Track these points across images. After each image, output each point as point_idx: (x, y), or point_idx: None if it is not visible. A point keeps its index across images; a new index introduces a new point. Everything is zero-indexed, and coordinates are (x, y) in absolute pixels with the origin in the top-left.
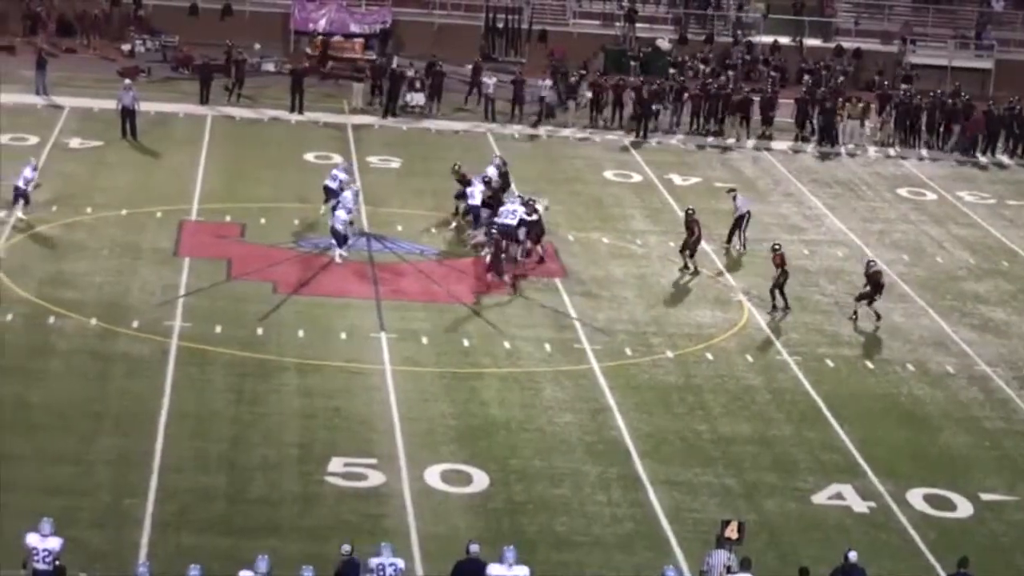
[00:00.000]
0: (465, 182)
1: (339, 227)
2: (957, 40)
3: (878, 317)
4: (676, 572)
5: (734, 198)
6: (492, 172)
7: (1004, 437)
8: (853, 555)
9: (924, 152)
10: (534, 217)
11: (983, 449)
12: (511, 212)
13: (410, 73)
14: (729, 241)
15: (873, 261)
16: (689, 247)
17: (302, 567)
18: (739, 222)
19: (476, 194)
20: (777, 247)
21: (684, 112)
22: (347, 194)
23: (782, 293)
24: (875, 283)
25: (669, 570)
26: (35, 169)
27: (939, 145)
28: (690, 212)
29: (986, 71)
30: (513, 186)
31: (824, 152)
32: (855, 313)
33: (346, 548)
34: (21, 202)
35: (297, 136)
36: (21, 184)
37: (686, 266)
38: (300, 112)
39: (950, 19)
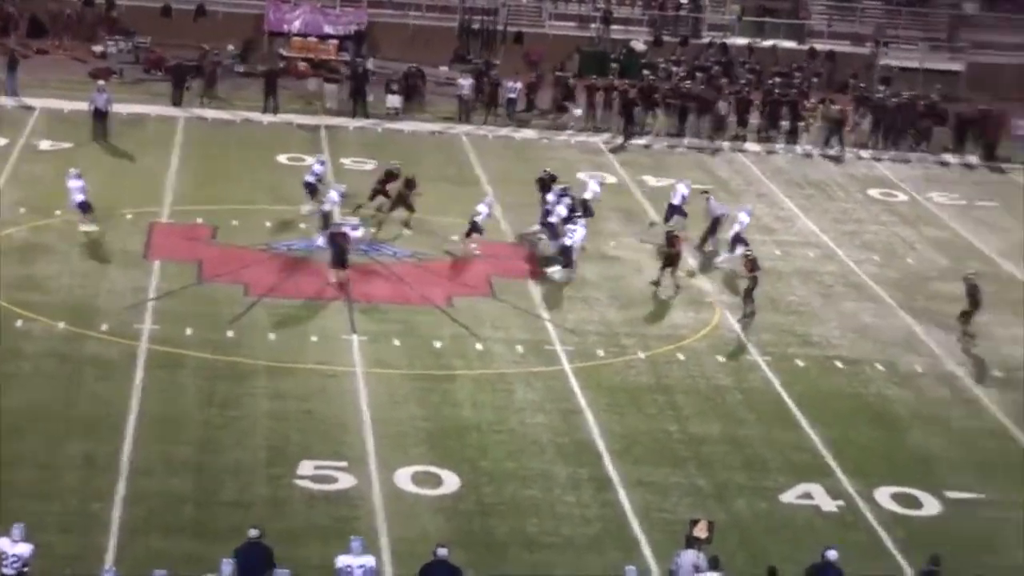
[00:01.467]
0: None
1: (328, 207)
2: (929, 42)
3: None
4: (636, 572)
5: (708, 199)
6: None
7: (972, 436)
8: (832, 554)
9: (896, 154)
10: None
11: (951, 448)
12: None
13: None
14: (702, 244)
15: (972, 274)
16: (671, 263)
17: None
18: (714, 225)
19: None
20: (748, 253)
21: (662, 114)
22: (332, 193)
23: (751, 298)
24: (972, 298)
25: (630, 571)
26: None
27: (912, 147)
28: (672, 231)
29: (958, 73)
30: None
31: (797, 154)
32: (963, 334)
33: (253, 532)
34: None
35: (270, 137)
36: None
37: (658, 282)
38: (274, 113)
39: (922, 21)
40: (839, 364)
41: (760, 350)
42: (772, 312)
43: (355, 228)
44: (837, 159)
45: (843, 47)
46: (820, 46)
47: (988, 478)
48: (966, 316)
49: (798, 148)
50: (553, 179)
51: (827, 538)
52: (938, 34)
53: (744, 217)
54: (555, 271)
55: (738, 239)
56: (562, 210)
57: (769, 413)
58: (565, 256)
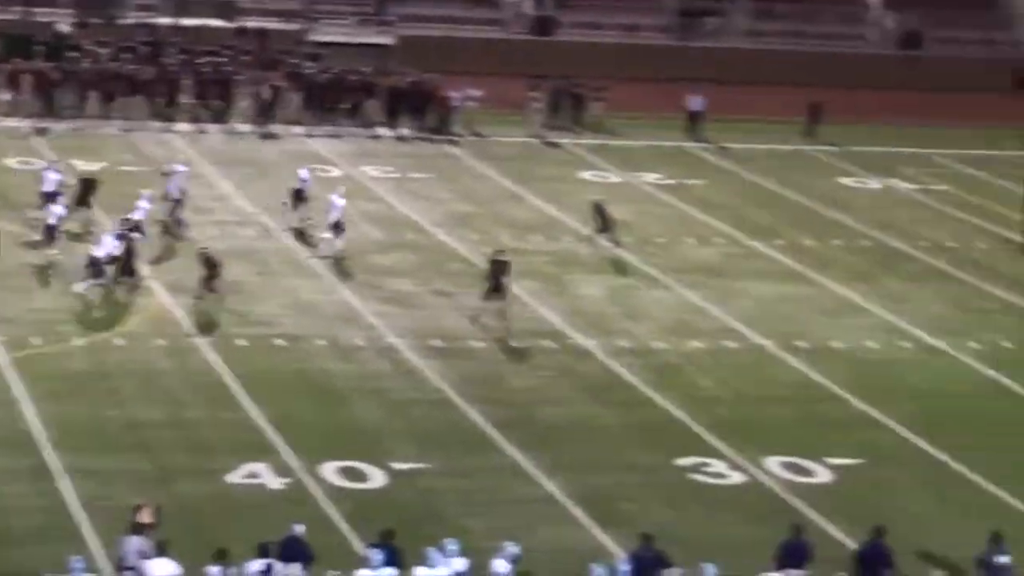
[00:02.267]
0: None
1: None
2: (359, 17)
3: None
4: (83, 561)
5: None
6: None
7: (413, 407)
8: (299, 528)
9: (329, 129)
10: None
11: (394, 420)
12: None
13: None
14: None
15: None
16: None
17: None
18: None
19: None
20: (204, 249)
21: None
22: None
23: (209, 288)
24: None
25: (75, 560)
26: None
27: (345, 121)
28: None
29: (389, 47)
30: None
31: (230, 132)
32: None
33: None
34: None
35: None
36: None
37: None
38: None
39: None
40: (280, 342)
41: (200, 331)
42: (211, 293)
43: None
44: (270, 136)
45: (273, 24)
46: (250, 24)
47: (431, 448)
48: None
49: (231, 126)
50: None
51: (275, 516)
52: (367, 8)
53: (145, 204)
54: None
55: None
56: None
57: (211, 394)
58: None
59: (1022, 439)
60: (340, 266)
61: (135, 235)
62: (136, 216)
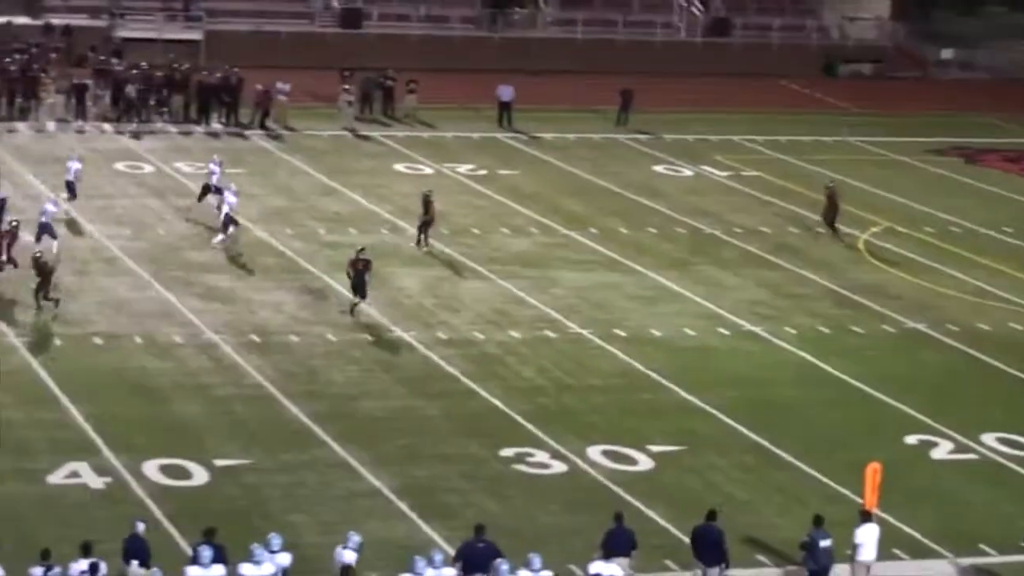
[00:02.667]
0: None
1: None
2: (166, 12)
3: None
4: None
5: None
6: None
7: (234, 403)
8: (140, 526)
9: (140, 125)
10: None
11: (215, 416)
12: None
13: None
14: None
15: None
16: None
17: None
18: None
19: None
20: (38, 255)
21: None
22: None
23: (45, 296)
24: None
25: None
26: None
27: (153, 117)
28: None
29: (196, 42)
30: None
31: (38, 130)
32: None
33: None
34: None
35: None
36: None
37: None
38: None
39: None
40: (98, 340)
41: (16, 331)
42: (28, 293)
43: None
44: (80, 132)
45: (79, 20)
46: (57, 20)
47: (253, 443)
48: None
49: (39, 124)
50: None
51: (99, 516)
52: (175, 4)
53: None
54: None
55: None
56: None
57: (30, 395)
58: None
59: (841, 423)
60: (154, 262)
61: None
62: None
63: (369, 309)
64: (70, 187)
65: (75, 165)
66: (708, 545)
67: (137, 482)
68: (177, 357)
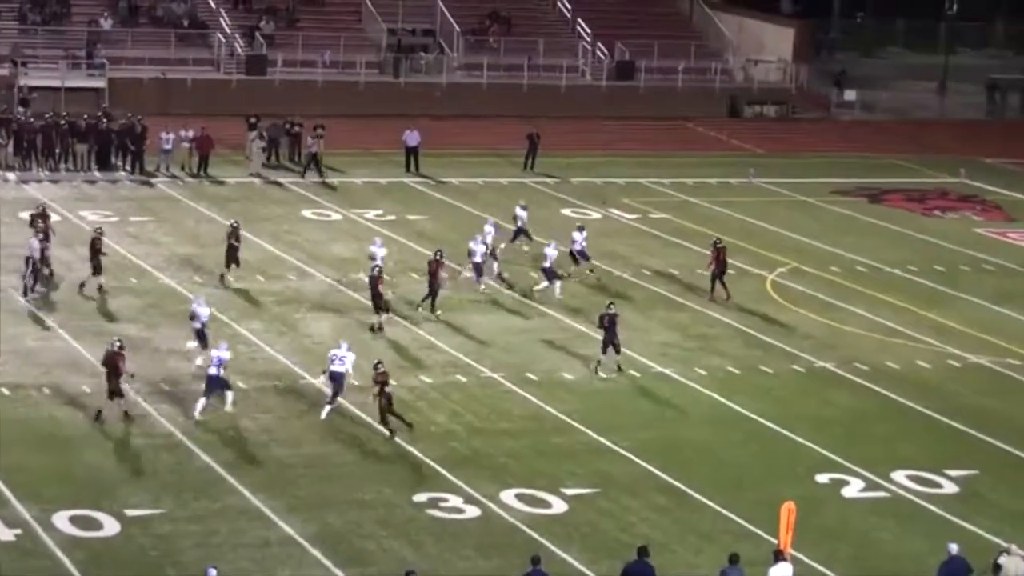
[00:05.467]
0: None
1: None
2: (69, 60)
3: None
4: None
5: None
6: None
7: (145, 451)
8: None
9: (45, 174)
10: None
11: (126, 465)
12: None
13: None
14: None
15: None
16: None
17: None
18: None
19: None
20: None
21: None
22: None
23: None
24: None
25: None
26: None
27: (57, 166)
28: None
29: (100, 90)
30: None
31: None
32: None
33: None
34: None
35: None
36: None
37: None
38: None
39: (59, 39)
40: (5, 391)
41: None
42: None
43: None
44: None
45: None
46: None
47: (165, 493)
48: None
49: None
50: None
51: (6, 570)
52: (77, 51)
53: None
54: None
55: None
56: None
57: None
58: None
59: (752, 463)
60: (63, 312)
61: None
62: None
63: (279, 356)
64: None
65: None
66: None
67: (47, 534)
68: (86, 407)
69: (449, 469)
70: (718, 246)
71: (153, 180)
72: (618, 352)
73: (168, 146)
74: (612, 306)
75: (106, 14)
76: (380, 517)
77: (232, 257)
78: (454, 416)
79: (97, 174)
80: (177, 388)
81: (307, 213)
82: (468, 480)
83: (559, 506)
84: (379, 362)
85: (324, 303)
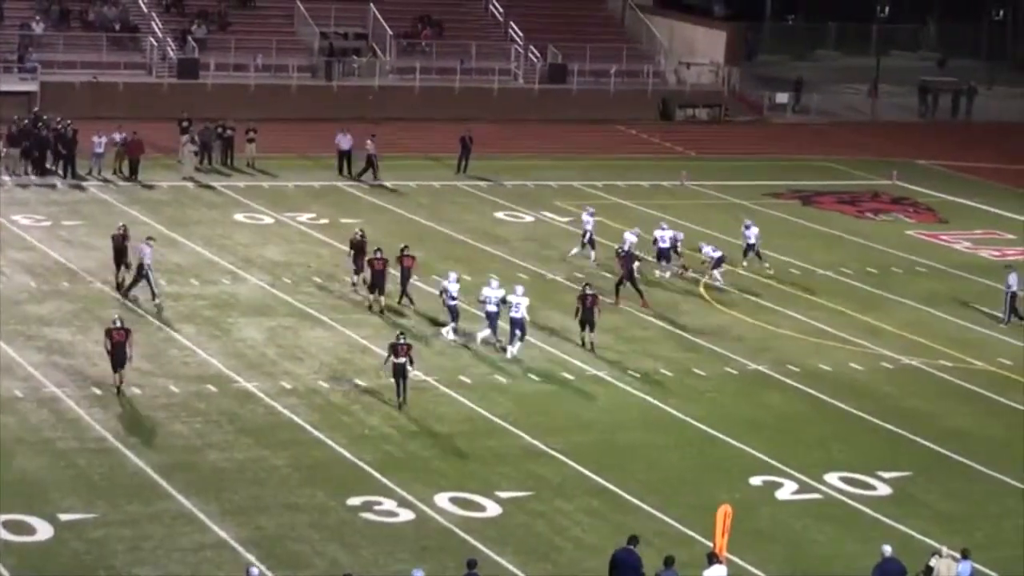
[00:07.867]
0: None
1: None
2: (0, 64)
3: None
4: None
5: None
6: None
7: (77, 456)
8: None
9: None
10: None
11: (59, 470)
12: None
13: None
14: None
15: None
16: None
17: None
18: None
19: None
20: None
21: None
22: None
23: None
24: None
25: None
26: None
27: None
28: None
29: (32, 93)
30: None
31: None
32: None
33: None
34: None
35: None
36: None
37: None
38: None
39: None
40: None
41: None
42: None
43: None
44: None
45: None
46: None
47: (98, 497)
48: None
49: None
50: None
51: None
52: (10, 55)
53: None
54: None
55: None
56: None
57: None
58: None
59: (685, 466)
60: None
61: None
62: None
63: (212, 360)
64: None
65: None
66: (627, 570)
67: None
68: (18, 411)
69: (383, 472)
70: (620, 254)
71: (85, 184)
72: (592, 330)
73: (100, 150)
74: (588, 287)
75: (38, 18)
76: (314, 521)
77: (122, 260)
78: (387, 419)
79: (34, 178)
80: (108, 392)
81: (240, 217)
82: (402, 483)
83: (493, 509)
84: (401, 333)
85: (257, 307)
